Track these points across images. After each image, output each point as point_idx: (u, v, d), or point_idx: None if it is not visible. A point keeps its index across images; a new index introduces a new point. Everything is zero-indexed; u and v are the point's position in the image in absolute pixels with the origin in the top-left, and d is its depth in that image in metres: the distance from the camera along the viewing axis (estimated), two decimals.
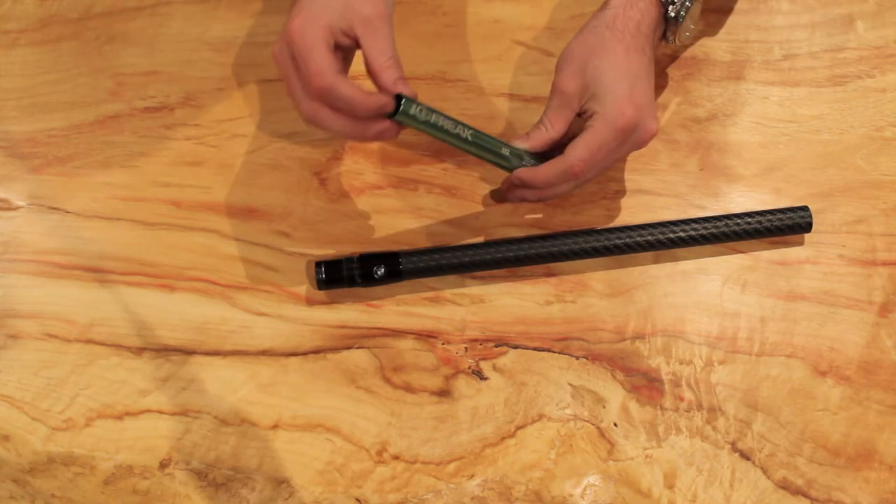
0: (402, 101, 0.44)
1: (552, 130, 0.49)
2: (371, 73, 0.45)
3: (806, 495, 0.49)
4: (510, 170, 0.50)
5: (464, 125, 0.48)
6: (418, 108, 0.45)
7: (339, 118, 0.45)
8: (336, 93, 0.43)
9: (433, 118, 0.46)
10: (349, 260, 0.51)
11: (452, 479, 0.49)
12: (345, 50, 0.46)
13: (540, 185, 0.49)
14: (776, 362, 0.52)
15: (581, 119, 0.49)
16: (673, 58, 0.59)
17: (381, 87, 0.45)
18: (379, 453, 0.49)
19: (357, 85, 0.43)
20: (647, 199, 0.55)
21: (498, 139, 0.49)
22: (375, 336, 0.52)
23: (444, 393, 0.51)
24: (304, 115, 0.45)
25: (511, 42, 0.59)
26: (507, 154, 0.49)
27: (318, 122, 0.45)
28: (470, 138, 0.48)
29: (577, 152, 0.47)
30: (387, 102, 0.44)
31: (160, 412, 0.50)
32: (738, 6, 0.60)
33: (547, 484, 0.49)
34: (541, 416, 0.50)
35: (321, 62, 0.43)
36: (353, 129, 0.45)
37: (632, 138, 0.48)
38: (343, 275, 0.50)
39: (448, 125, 0.47)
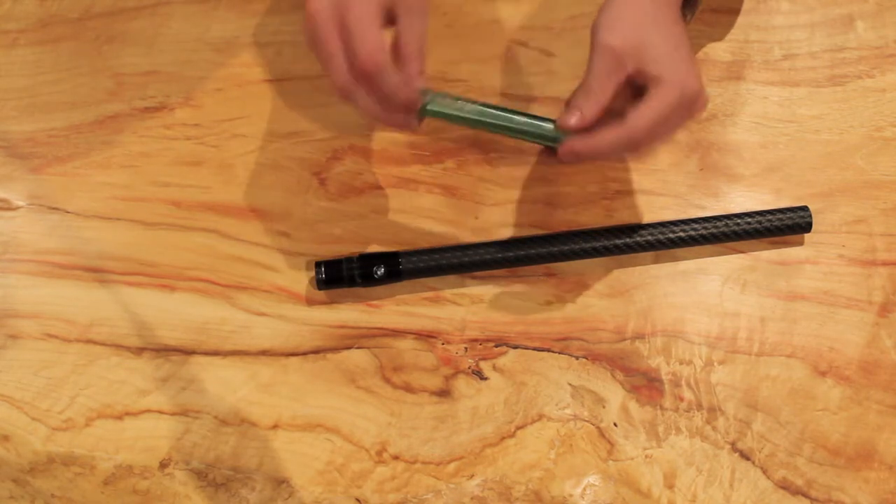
0: (427, 98, 0.44)
1: (603, 96, 0.44)
2: (399, 56, 0.43)
3: (806, 495, 0.49)
4: (553, 141, 0.46)
5: (493, 110, 0.46)
6: (442, 102, 0.44)
7: (371, 100, 0.43)
8: (382, 77, 0.41)
9: (458, 110, 0.45)
10: (349, 260, 0.51)
11: (452, 479, 0.49)
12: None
13: (597, 156, 0.45)
14: (776, 362, 0.52)
15: (631, 87, 0.45)
16: None
17: (404, 75, 0.43)
18: (379, 453, 0.50)
19: (400, 73, 0.42)
20: (647, 199, 0.55)
21: (531, 115, 0.46)
22: (375, 336, 0.52)
23: (444, 393, 0.51)
24: (337, 87, 0.43)
25: (511, 42, 0.59)
26: (551, 129, 0.45)
27: (349, 98, 0.43)
28: (500, 123, 0.46)
29: (642, 119, 0.43)
30: (418, 98, 0.43)
31: (160, 412, 0.50)
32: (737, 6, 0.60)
33: (547, 484, 0.49)
34: (541, 416, 0.50)
35: (376, 42, 0.41)
36: (381, 114, 0.44)
37: (694, 107, 0.44)
38: (343, 275, 0.51)
39: (473, 114, 0.45)
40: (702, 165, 0.56)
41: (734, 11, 0.60)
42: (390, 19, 0.44)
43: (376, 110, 0.44)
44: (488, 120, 0.46)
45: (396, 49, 0.44)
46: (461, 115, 0.46)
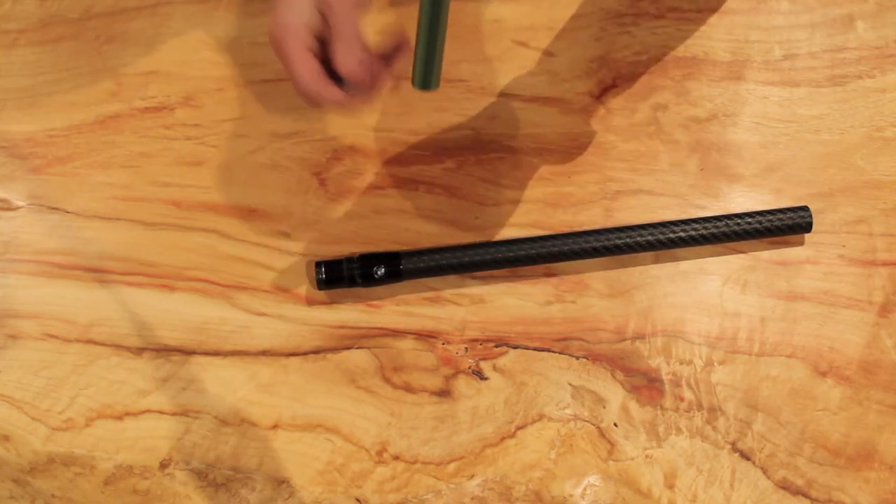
0: None
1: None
2: (334, 48, 0.43)
3: (806, 495, 0.49)
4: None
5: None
6: None
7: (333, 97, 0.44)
8: (322, 98, 0.43)
9: None
10: (349, 260, 0.51)
11: (452, 479, 0.49)
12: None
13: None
14: (776, 362, 0.52)
15: None
16: (673, 58, 0.59)
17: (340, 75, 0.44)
18: (379, 453, 0.49)
19: (337, 87, 0.43)
20: (647, 199, 0.55)
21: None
22: (375, 336, 0.52)
23: (444, 393, 0.51)
24: (304, 97, 0.45)
25: (511, 42, 0.59)
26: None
27: (316, 101, 0.44)
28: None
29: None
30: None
31: (160, 412, 0.50)
32: (737, 6, 0.60)
33: (547, 484, 0.49)
34: (541, 416, 0.50)
35: (301, 68, 0.43)
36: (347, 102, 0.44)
37: None
38: (343, 275, 0.50)
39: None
40: (702, 165, 0.56)
41: (733, 11, 0.60)
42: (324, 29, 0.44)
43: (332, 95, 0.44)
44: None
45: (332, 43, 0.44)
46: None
